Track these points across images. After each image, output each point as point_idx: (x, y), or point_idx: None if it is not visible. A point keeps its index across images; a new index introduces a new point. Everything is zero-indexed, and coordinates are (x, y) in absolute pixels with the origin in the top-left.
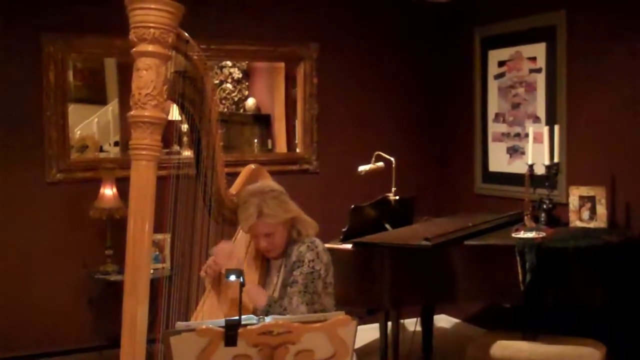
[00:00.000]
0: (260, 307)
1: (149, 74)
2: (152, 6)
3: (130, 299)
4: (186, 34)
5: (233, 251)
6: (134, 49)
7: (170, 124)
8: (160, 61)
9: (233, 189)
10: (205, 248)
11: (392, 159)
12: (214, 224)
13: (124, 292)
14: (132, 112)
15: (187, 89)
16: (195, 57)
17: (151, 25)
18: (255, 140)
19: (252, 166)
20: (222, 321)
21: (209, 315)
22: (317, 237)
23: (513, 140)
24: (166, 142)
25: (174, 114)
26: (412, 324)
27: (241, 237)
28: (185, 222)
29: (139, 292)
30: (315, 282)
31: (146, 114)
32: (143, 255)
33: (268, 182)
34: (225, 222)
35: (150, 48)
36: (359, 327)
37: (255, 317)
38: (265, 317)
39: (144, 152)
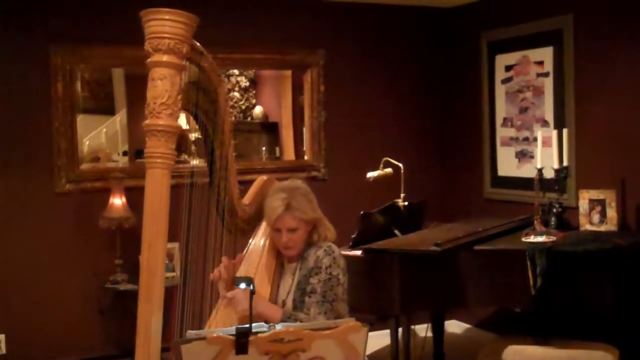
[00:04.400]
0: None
1: (164, 84)
2: (167, 17)
3: (145, 305)
4: (200, 46)
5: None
6: (149, 60)
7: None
8: (174, 71)
9: (245, 200)
10: (217, 257)
11: (400, 164)
12: (226, 233)
13: (138, 299)
14: (147, 121)
15: (201, 99)
16: (209, 68)
17: (166, 36)
18: (263, 148)
19: (264, 177)
20: (232, 329)
21: (223, 324)
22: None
23: (521, 144)
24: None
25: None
26: (422, 330)
27: (255, 243)
28: (197, 231)
29: (154, 298)
30: (335, 289)
31: (161, 122)
32: (158, 261)
33: (297, 181)
34: (238, 231)
35: (165, 58)
36: (370, 334)
37: (266, 324)
38: (276, 325)
39: (158, 160)
